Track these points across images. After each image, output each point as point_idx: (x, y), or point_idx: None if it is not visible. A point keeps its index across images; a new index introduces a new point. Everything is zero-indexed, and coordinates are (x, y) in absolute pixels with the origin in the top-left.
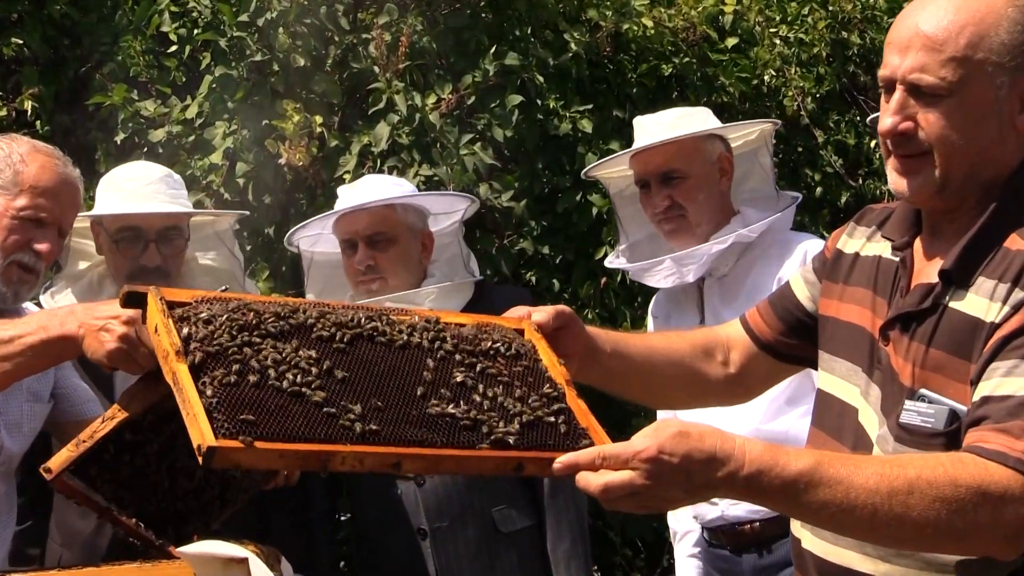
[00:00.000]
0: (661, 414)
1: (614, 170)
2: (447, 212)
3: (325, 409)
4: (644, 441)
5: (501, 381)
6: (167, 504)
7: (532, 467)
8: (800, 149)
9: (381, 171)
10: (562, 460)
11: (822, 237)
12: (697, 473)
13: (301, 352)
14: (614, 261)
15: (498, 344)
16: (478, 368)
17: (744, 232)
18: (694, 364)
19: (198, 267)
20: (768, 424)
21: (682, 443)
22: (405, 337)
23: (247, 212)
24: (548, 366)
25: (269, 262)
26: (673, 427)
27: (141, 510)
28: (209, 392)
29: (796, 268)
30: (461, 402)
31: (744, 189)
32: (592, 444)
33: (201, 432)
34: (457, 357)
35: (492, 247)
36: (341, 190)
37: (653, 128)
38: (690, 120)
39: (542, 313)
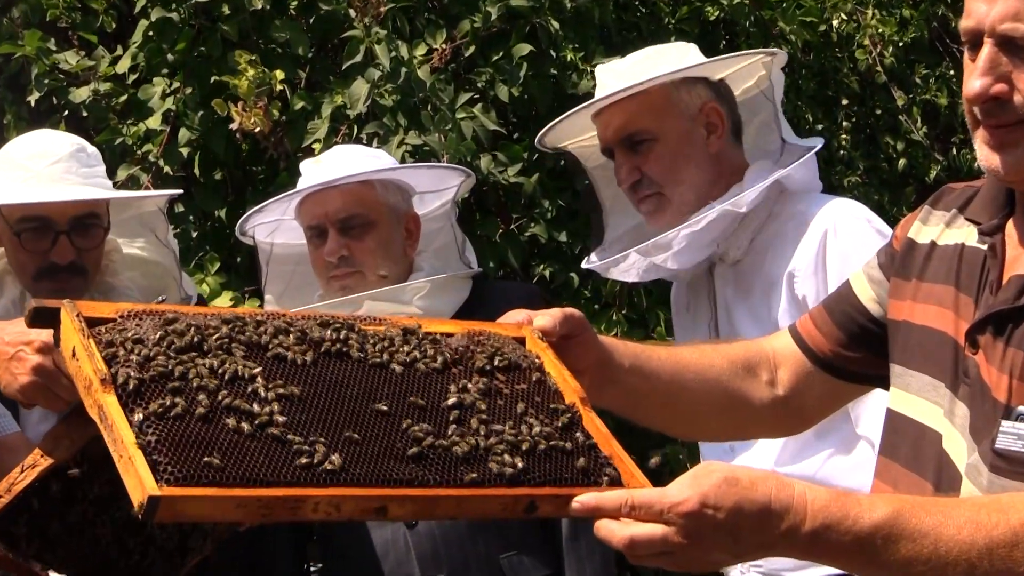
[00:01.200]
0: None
1: (583, 137)
2: (437, 190)
3: (291, 445)
4: (683, 490)
5: (502, 403)
6: (117, 562)
7: (547, 507)
8: (878, 112)
9: (358, 140)
10: (582, 500)
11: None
12: (748, 530)
13: (256, 375)
14: (589, 261)
15: (496, 357)
16: (473, 387)
17: (726, 207)
18: (733, 384)
19: (123, 260)
20: (790, 466)
21: (729, 493)
22: (381, 354)
23: (180, 191)
24: (558, 381)
25: (220, 252)
26: (718, 473)
27: (84, 572)
28: (146, 428)
29: (813, 251)
30: (455, 430)
31: (750, 147)
32: (617, 475)
33: (139, 479)
34: (447, 375)
35: (495, 233)
36: (305, 165)
37: (610, 79)
38: (656, 61)
39: (546, 318)
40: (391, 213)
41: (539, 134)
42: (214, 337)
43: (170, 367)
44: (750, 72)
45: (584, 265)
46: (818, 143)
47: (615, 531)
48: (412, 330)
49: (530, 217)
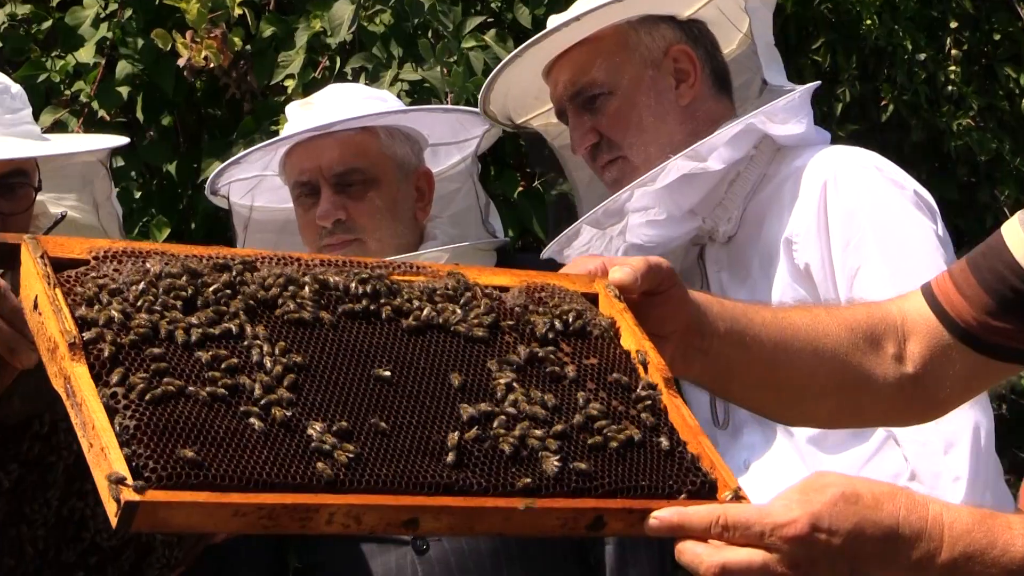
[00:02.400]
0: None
1: (543, 110)
2: (455, 141)
3: (303, 436)
4: (789, 508)
5: (566, 383)
6: None
7: (616, 523)
8: (997, 37)
9: (341, 75)
10: (662, 516)
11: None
12: (870, 560)
13: (263, 343)
14: (544, 254)
15: (560, 321)
16: (530, 361)
17: (681, 161)
18: (853, 358)
19: (53, 222)
20: (819, 467)
21: (847, 513)
22: (417, 315)
23: (126, 140)
24: (636, 355)
25: (170, 217)
26: (834, 487)
27: None
28: (125, 410)
29: (812, 210)
30: (504, 420)
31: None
32: (706, 482)
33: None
34: (498, 344)
35: (513, 191)
36: (293, 108)
37: (556, 24)
38: None
39: (624, 269)
40: (398, 168)
41: (481, 99)
42: (213, 289)
43: (156, 328)
44: (734, 9)
45: (543, 255)
46: (810, 85)
47: (703, 556)
48: (458, 282)
49: (558, 171)
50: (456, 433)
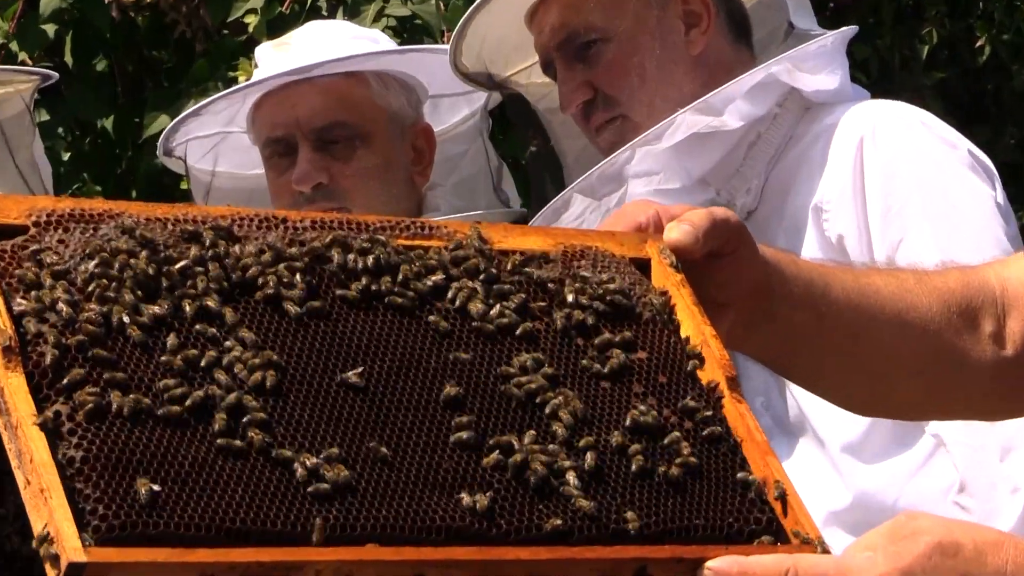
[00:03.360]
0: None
1: (526, 64)
2: (463, 92)
3: (286, 468)
4: (874, 562)
5: (607, 385)
6: None
7: (663, 574)
8: None
9: (315, 11)
10: (719, 567)
11: None
12: None
13: (237, 344)
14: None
15: (602, 301)
16: (566, 357)
17: (691, 116)
18: (944, 336)
19: None
20: (858, 482)
21: (945, 569)
22: (429, 297)
23: (55, 74)
24: (695, 342)
25: (106, 182)
26: (928, 534)
27: None
28: (70, 436)
29: (846, 172)
30: (533, 439)
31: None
32: (773, 519)
33: (56, 529)
34: (527, 332)
35: (523, 153)
36: (264, 49)
37: None
38: None
39: (683, 227)
40: (392, 122)
41: (451, 51)
42: (182, 266)
43: (111, 323)
44: None
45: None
46: (845, 29)
47: None
48: (483, 249)
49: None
50: (465, 457)
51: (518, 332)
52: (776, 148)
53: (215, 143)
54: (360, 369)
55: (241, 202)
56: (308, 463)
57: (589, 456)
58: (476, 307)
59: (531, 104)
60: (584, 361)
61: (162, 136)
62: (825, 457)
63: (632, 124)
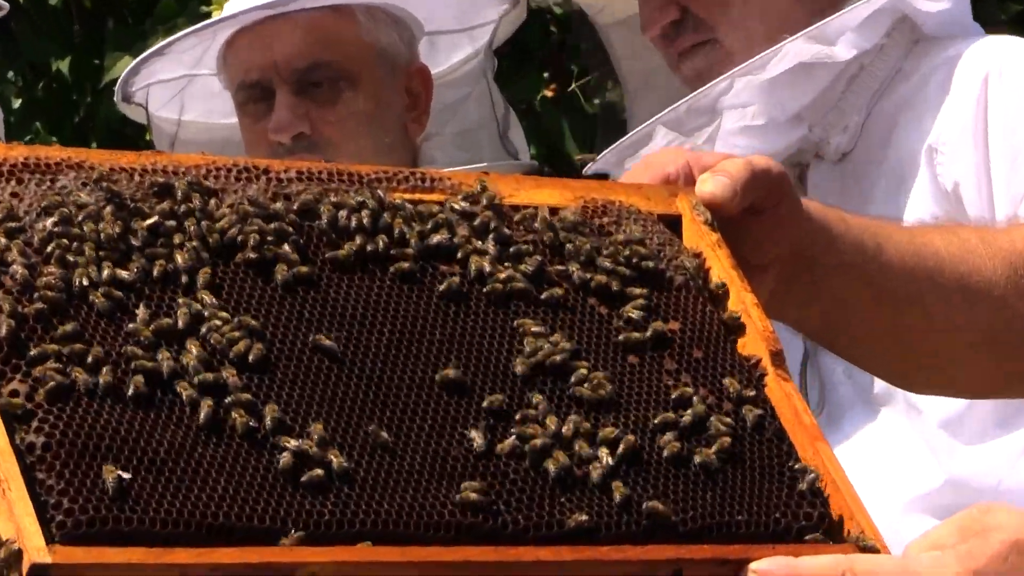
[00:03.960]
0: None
1: None
2: (463, 28)
3: (273, 454)
4: (942, 563)
5: (635, 361)
6: None
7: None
8: None
9: None
10: (765, 568)
11: None
12: None
13: (215, 313)
14: (589, 168)
15: (630, 266)
16: (587, 328)
17: (801, 44)
18: (1011, 303)
19: None
20: (953, 464)
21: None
22: (432, 257)
23: (3, 5)
24: (735, 312)
25: (62, 131)
26: (1003, 531)
27: None
28: (28, 418)
29: (967, 111)
30: (553, 419)
31: None
32: (825, 514)
33: (16, 526)
34: (543, 303)
35: (535, 95)
36: None
37: None
38: None
39: (720, 179)
40: (383, 62)
41: None
42: (152, 222)
43: (72, 289)
44: None
45: (592, 170)
46: None
47: None
48: (489, 210)
49: (605, 72)
50: (483, 443)
51: (533, 300)
52: (881, 83)
53: (181, 87)
54: (333, 334)
55: (209, 151)
56: (299, 449)
57: (617, 443)
58: (486, 270)
59: (588, 17)
60: (608, 333)
61: (120, 79)
62: (917, 433)
63: (723, 51)
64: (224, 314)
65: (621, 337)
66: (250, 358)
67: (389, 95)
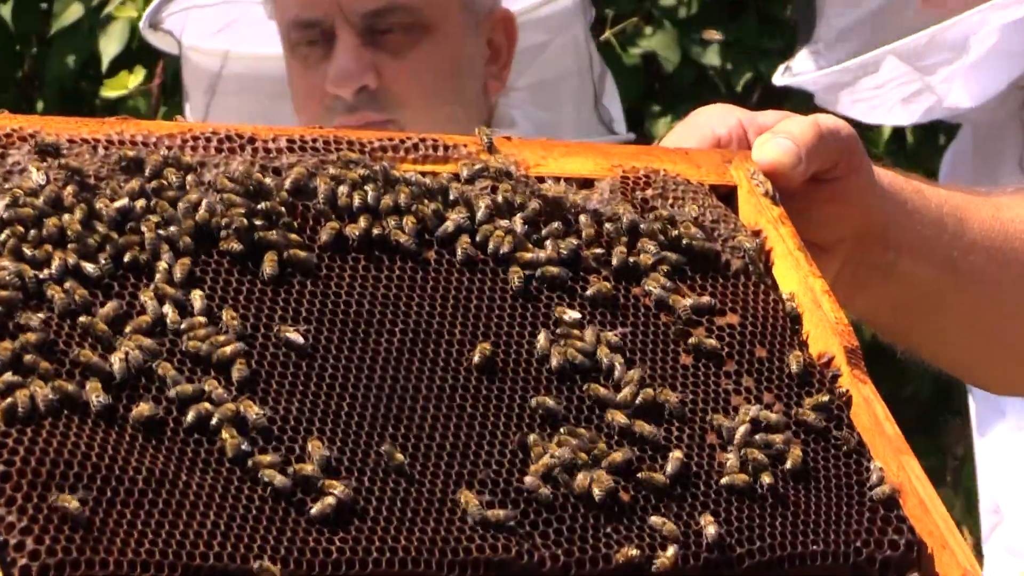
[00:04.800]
0: None
1: None
2: None
3: (277, 483)
4: None
5: (687, 360)
6: None
7: None
8: None
9: None
10: None
11: None
12: None
13: (196, 306)
14: (785, 75)
15: (680, 249)
16: (632, 325)
17: None
18: None
19: None
20: None
21: None
22: (442, 240)
23: None
24: (802, 301)
25: (4, 90)
26: None
27: None
28: None
29: None
30: (583, 439)
31: None
32: (912, 542)
33: None
34: (573, 288)
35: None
36: None
37: None
38: None
39: (782, 142)
40: (465, 9)
41: None
42: (116, 205)
43: (27, 285)
44: None
45: (779, 79)
46: None
47: None
48: (511, 182)
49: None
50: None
51: (568, 290)
52: None
53: (223, 16)
54: (304, 326)
55: (253, 93)
56: (300, 476)
57: (670, 462)
58: (513, 255)
59: None
60: (656, 330)
61: (148, 10)
62: None
63: None
64: (202, 319)
65: (671, 334)
66: (234, 374)
67: (469, 47)
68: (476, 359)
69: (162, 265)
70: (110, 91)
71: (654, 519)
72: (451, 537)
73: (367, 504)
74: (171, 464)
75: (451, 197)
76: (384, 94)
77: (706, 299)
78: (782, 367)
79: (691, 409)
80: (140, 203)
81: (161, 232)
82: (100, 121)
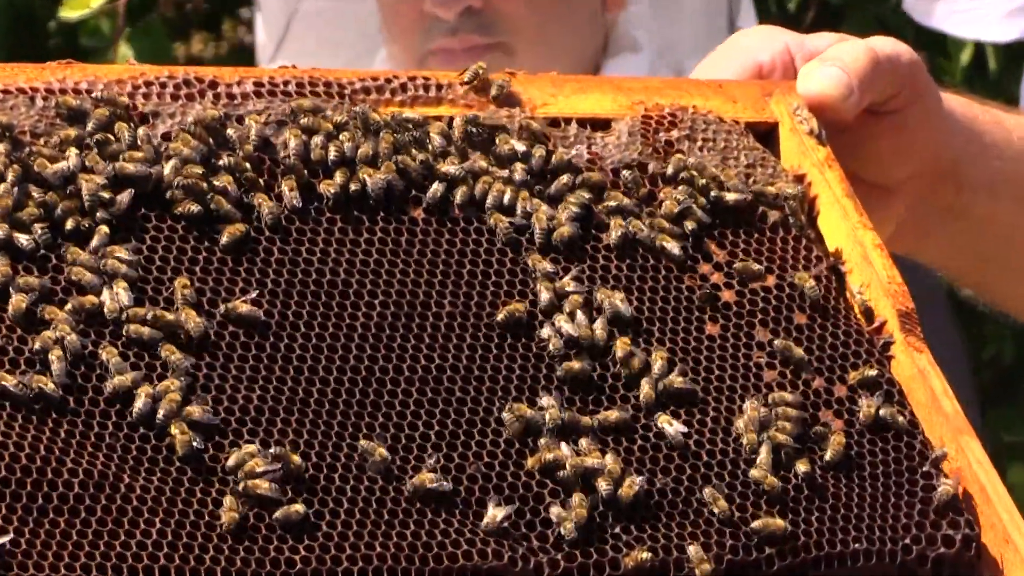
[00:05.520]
0: None
1: None
2: None
3: (234, 481)
4: None
5: (715, 333)
6: None
7: None
8: None
9: None
10: None
11: None
12: None
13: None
14: None
15: (709, 198)
16: (651, 289)
17: None
18: None
19: None
20: None
21: None
22: (453, 175)
23: None
24: (849, 259)
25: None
26: None
27: None
28: None
29: None
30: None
31: None
32: (971, 537)
33: None
34: (589, 250)
35: None
36: None
37: None
38: None
39: (830, 71)
40: None
41: None
42: (54, 169)
43: None
44: None
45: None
46: None
47: None
48: (517, 124)
49: None
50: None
51: (576, 253)
52: None
53: None
54: (253, 294)
55: (334, 25)
56: (263, 473)
57: (673, 429)
58: (514, 210)
59: None
60: (679, 295)
61: None
62: None
63: None
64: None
65: (696, 299)
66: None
67: None
68: (500, 317)
69: (103, 231)
70: (69, 11)
71: (667, 516)
72: (433, 543)
73: (337, 507)
74: (111, 463)
75: (439, 145)
76: (490, 14)
77: (738, 260)
78: (824, 335)
79: (716, 388)
80: (84, 159)
81: (106, 196)
82: (40, 67)
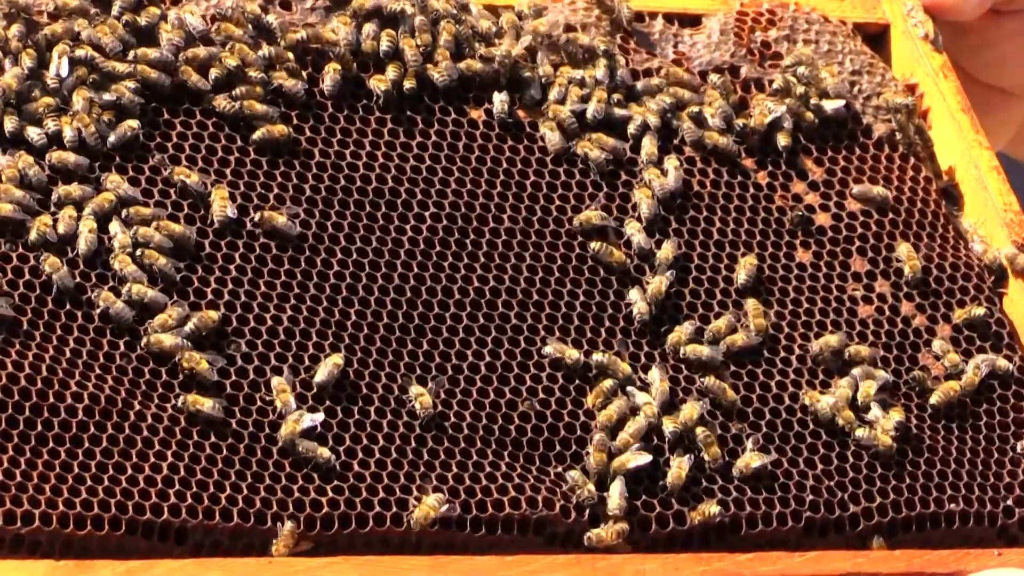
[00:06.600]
0: None
1: None
2: None
3: (262, 415)
4: None
5: (806, 262)
6: None
7: None
8: None
9: None
10: None
11: None
12: None
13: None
14: None
15: (810, 107)
16: (738, 207)
17: None
18: None
19: None
20: None
21: None
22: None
23: None
24: (961, 181)
25: None
26: None
27: None
28: None
29: None
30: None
31: None
32: None
33: None
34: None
35: None
36: None
37: None
38: None
39: None
40: None
41: None
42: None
43: None
44: None
45: None
46: None
47: None
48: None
49: None
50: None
51: (651, 167)
52: None
53: None
54: (295, 209)
55: None
56: (289, 409)
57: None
58: (591, 111)
59: None
60: (768, 215)
61: None
62: None
63: None
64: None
65: (786, 222)
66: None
67: None
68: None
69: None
70: None
71: (741, 465)
72: (477, 488)
73: (367, 455)
74: (120, 389)
75: (508, 37)
76: None
77: (837, 179)
78: (928, 267)
79: (804, 323)
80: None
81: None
82: None
